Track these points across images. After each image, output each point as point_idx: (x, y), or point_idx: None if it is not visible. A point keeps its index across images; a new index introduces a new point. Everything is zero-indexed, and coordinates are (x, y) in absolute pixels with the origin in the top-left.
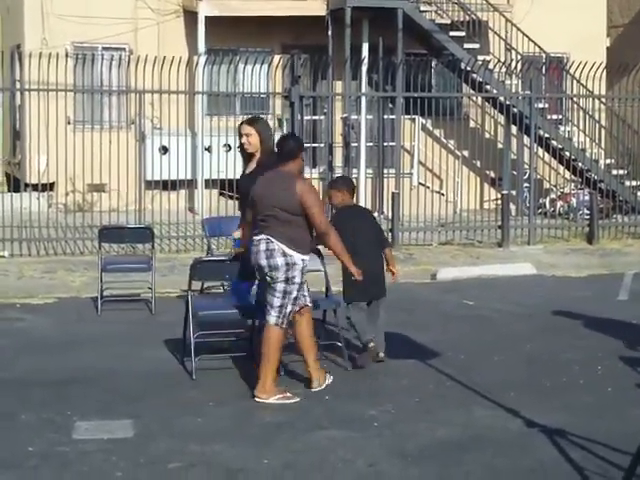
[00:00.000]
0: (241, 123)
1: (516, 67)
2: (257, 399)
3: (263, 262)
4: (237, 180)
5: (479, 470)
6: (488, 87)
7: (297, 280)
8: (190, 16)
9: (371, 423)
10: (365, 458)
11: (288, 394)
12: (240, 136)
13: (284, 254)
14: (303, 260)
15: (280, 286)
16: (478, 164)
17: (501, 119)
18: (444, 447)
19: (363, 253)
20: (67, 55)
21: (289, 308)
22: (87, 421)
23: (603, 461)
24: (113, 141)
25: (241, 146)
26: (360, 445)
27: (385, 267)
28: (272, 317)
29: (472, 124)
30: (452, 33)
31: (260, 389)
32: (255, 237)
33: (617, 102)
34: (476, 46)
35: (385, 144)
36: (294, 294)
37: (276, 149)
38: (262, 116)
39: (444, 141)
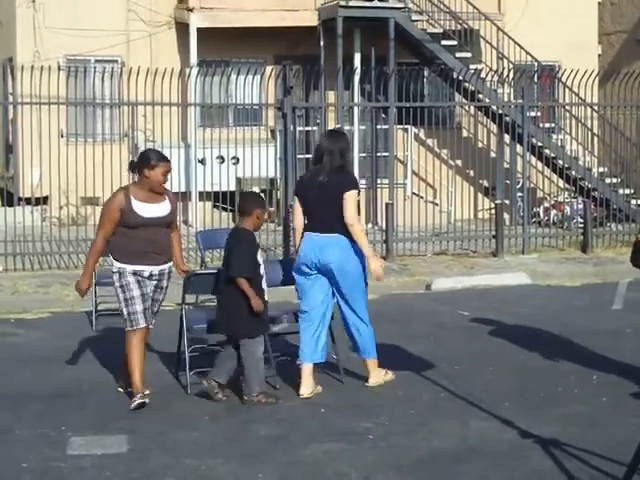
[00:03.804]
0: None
1: (508, 76)
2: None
3: None
4: None
5: None
6: (480, 96)
7: (117, 284)
8: (182, 28)
9: (366, 435)
10: (360, 470)
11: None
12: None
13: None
14: (118, 268)
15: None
16: (471, 173)
17: (494, 128)
18: (439, 458)
19: None
20: (59, 68)
21: (125, 312)
22: (81, 436)
23: (598, 471)
24: (106, 154)
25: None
26: (355, 457)
27: None
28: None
29: (465, 133)
30: (444, 42)
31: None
32: None
33: (610, 110)
34: (468, 55)
35: (378, 154)
36: (122, 299)
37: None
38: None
39: (437, 151)
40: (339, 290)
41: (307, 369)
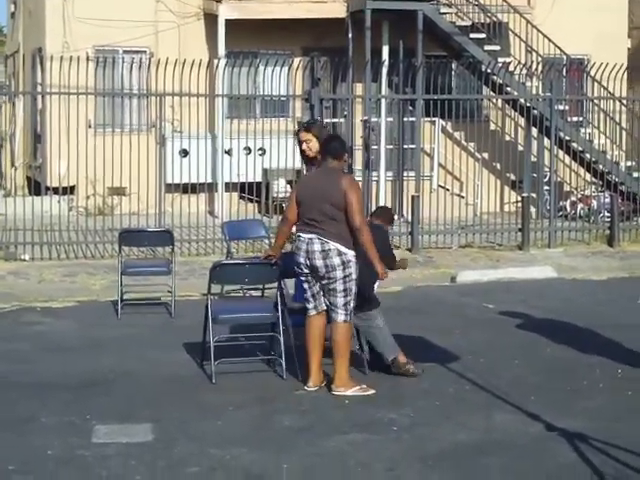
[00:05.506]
0: (298, 130)
1: (537, 69)
2: (335, 392)
3: (319, 262)
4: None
5: (498, 474)
6: (508, 89)
7: (354, 276)
8: (210, 19)
9: (390, 427)
10: (384, 462)
11: (364, 386)
12: (300, 143)
13: (339, 253)
14: (355, 256)
15: (340, 285)
16: (498, 166)
17: (521, 121)
18: (464, 451)
19: None
20: (88, 58)
21: (352, 304)
22: (106, 425)
23: (623, 465)
24: (133, 144)
25: (302, 152)
26: (379, 449)
27: None
28: (340, 315)
29: (492, 126)
30: (472, 35)
31: (338, 382)
32: (304, 235)
33: (638, 104)
34: (496, 48)
35: (405, 147)
36: (354, 289)
37: (321, 149)
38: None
39: (464, 143)
40: None
41: None
